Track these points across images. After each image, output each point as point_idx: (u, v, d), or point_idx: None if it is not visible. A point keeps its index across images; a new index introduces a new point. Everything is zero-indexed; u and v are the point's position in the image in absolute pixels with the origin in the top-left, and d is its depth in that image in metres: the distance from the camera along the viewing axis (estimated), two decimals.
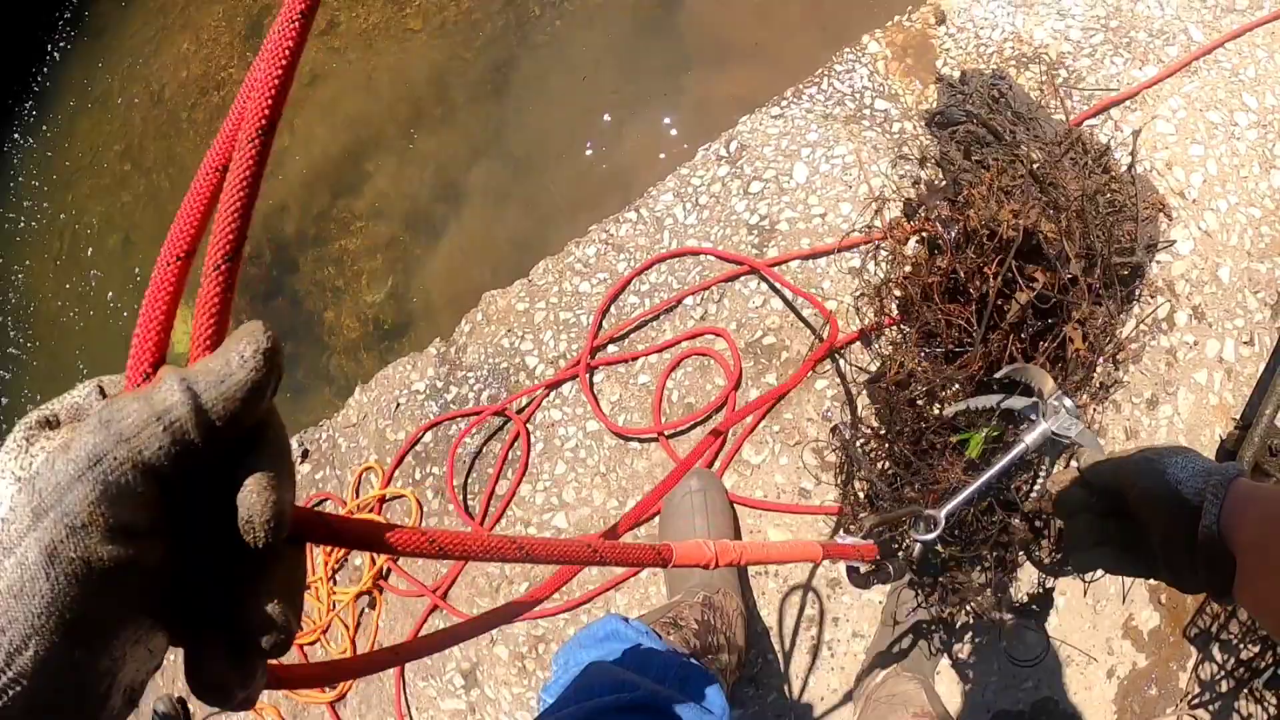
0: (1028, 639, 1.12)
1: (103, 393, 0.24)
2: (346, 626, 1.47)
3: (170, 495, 0.22)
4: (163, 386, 0.22)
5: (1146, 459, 0.54)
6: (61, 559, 0.19)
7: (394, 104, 2.26)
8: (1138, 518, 0.54)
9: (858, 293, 1.15)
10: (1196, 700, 1.20)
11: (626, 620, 0.79)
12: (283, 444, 0.25)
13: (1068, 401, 0.71)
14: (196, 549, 0.23)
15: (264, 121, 0.27)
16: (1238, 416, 1.22)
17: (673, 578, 1.09)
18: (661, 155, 1.70)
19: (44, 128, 2.87)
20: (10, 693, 0.19)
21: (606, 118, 1.87)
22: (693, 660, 0.79)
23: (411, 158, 2.14)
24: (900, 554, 0.74)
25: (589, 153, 1.85)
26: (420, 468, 1.53)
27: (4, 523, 0.20)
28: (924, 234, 1.12)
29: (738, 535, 1.16)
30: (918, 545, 0.71)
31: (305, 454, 1.84)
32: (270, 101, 0.27)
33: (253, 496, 0.22)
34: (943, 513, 0.69)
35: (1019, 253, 1.07)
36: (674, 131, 1.74)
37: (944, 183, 1.31)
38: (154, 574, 0.22)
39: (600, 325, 1.29)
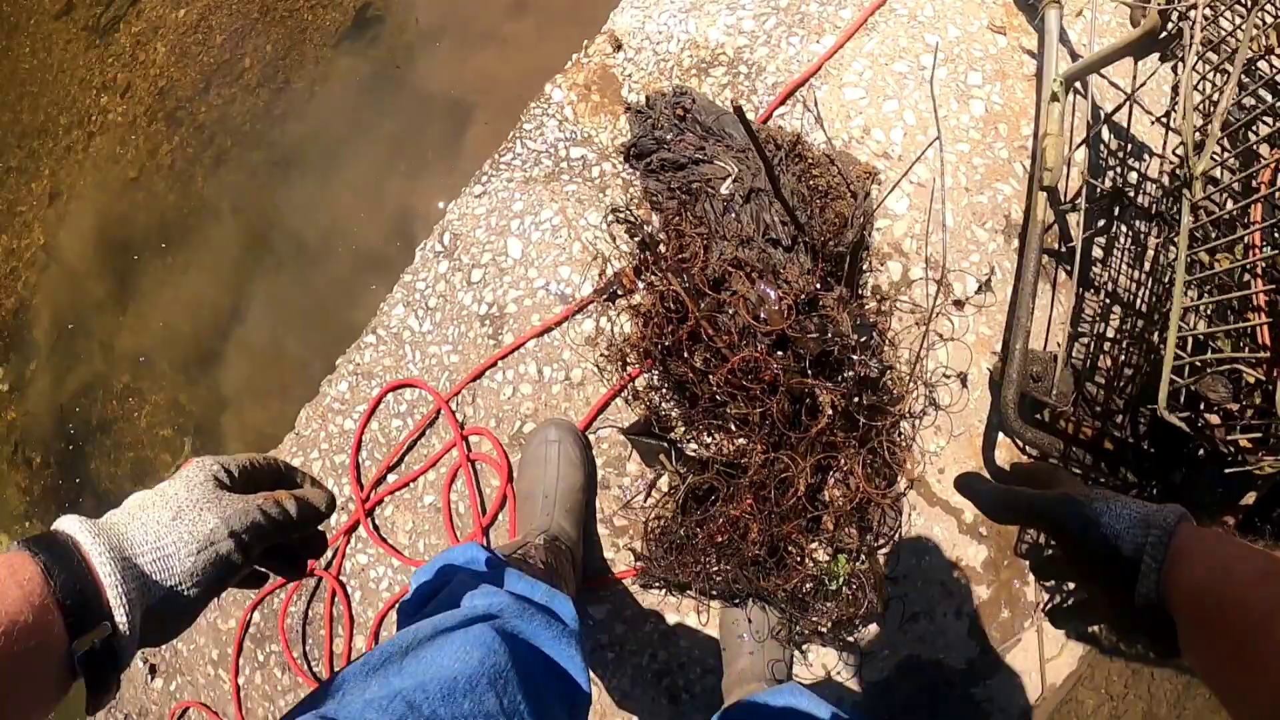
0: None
1: (230, 479, 0.51)
2: None
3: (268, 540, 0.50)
4: (273, 503, 0.51)
5: (1073, 502, 0.51)
6: (222, 545, 0.47)
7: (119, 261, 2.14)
8: (1075, 567, 0.53)
9: (598, 354, 1.16)
10: (1049, 604, 1.26)
11: (487, 549, 0.85)
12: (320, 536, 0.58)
13: None
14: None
15: None
16: (998, 349, 1.28)
17: (521, 517, 1.13)
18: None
19: None
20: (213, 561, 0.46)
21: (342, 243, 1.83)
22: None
23: (166, 313, 2.03)
24: None
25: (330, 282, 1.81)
26: (259, 650, 1.45)
27: (213, 529, 0.46)
28: (649, 277, 1.14)
29: (591, 487, 1.16)
30: None
31: (153, 670, 1.73)
32: None
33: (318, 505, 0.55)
34: None
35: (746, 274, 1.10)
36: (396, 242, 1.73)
37: (652, 224, 1.32)
38: (246, 563, 0.49)
39: (357, 465, 1.26)
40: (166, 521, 0.45)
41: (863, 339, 1.07)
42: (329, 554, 1.33)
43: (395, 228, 1.77)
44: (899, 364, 1.17)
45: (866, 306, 1.14)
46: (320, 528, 0.56)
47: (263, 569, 0.55)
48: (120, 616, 0.40)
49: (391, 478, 1.27)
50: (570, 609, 0.82)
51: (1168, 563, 0.45)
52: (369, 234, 1.77)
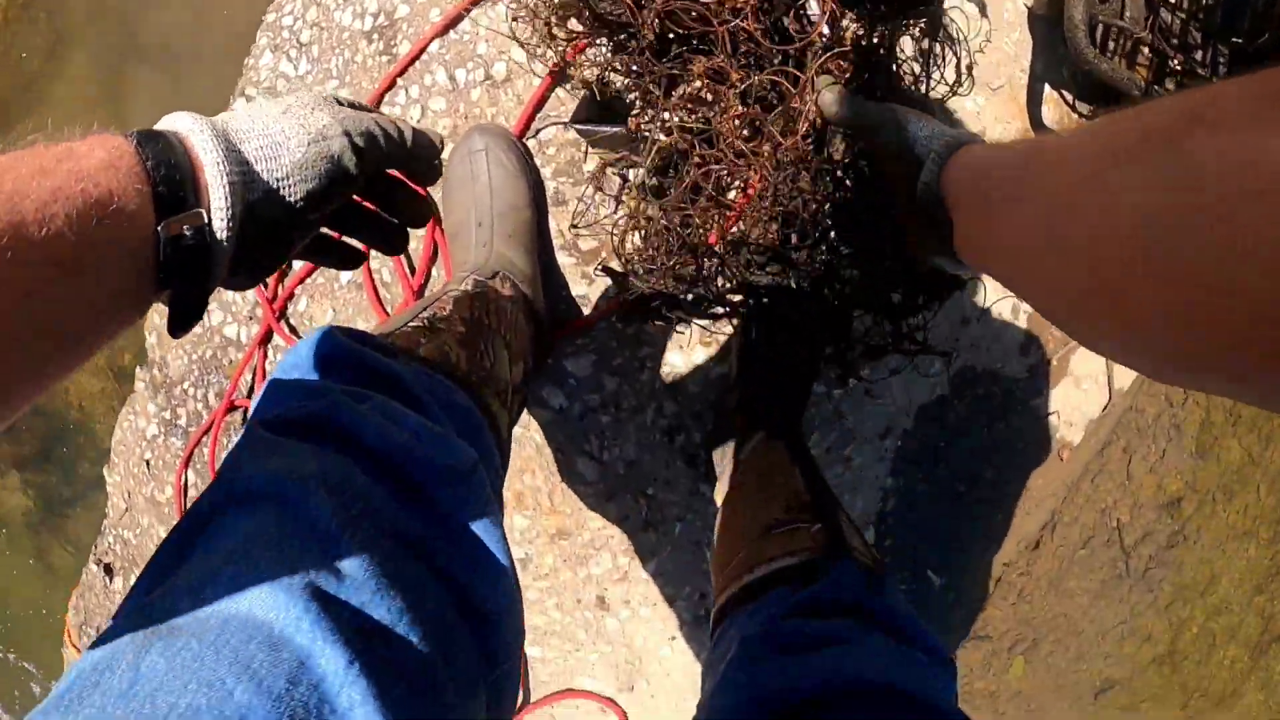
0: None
1: (339, 101, 0.43)
2: None
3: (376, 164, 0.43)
4: (389, 122, 0.44)
5: (892, 111, 0.54)
6: (335, 142, 0.40)
7: None
8: (878, 165, 0.56)
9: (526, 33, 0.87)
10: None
11: (345, 334, 0.48)
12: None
13: None
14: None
15: None
16: None
17: (454, 262, 0.83)
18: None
19: None
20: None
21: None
22: (429, 428, 0.46)
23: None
24: None
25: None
26: None
27: (326, 125, 0.40)
28: None
29: (540, 203, 0.88)
30: None
31: (109, 569, 1.55)
32: None
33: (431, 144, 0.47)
34: None
35: None
36: None
37: None
38: (359, 178, 0.42)
39: None
40: (276, 114, 0.39)
41: None
42: (247, 378, 1.09)
43: None
44: None
45: None
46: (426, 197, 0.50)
47: (361, 243, 0.49)
48: (218, 198, 0.34)
49: (297, 264, 1.01)
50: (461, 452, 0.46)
51: (949, 165, 0.47)
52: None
